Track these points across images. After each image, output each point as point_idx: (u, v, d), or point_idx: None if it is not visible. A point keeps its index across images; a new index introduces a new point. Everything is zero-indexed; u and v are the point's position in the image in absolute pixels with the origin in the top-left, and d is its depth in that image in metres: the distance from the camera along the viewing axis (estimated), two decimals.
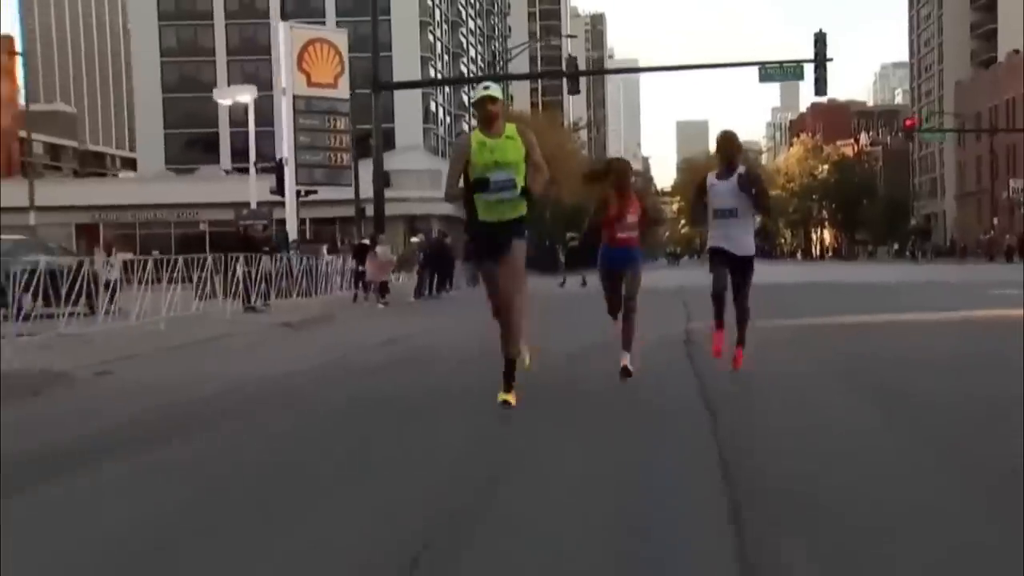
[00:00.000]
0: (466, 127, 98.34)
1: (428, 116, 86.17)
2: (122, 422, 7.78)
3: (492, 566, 3.87)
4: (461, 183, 7.34)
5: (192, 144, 79.60)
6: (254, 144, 31.03)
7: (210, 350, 14.32)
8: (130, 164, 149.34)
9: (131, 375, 10.97)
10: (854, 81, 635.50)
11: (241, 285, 20.74)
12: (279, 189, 31.34)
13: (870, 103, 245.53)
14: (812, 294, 24.01)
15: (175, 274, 18.28)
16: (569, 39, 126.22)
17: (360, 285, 25.99)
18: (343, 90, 31.08)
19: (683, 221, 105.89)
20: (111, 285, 17.32)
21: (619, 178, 9.43)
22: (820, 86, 30.53)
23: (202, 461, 6.14)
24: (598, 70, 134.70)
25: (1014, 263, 50.37)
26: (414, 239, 26.67)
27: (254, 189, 30.51)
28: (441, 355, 12.43)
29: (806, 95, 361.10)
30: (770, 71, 30.56)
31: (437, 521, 4.44)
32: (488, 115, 7.14)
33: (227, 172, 57.05)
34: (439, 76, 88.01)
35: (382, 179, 27.45)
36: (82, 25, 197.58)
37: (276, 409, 8.39)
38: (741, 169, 8.90)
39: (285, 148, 30.20)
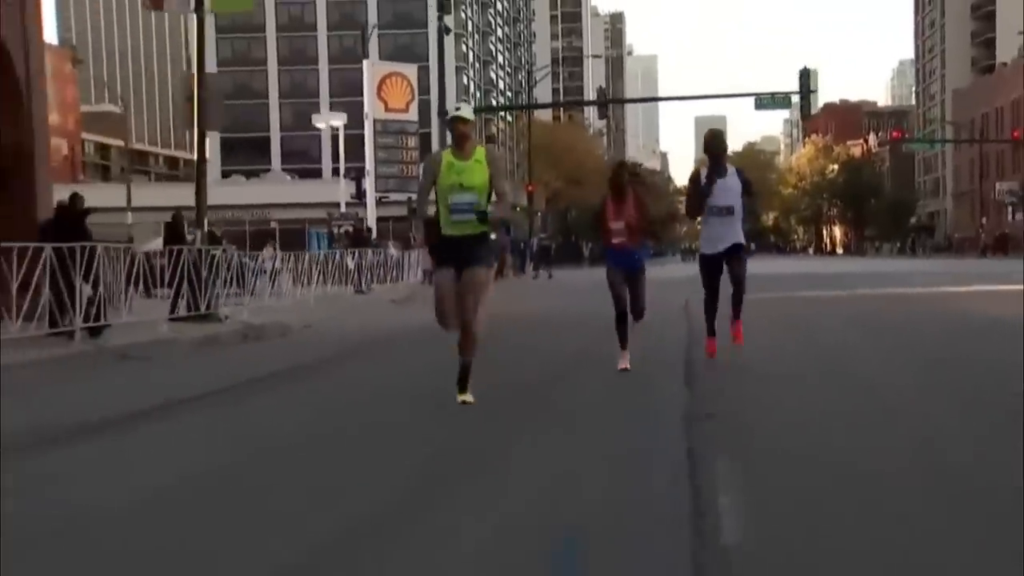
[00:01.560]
0: (495, 129, 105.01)
1: (443, 113, 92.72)
2: (333, 351, 13.23)
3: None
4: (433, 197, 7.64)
5: (245, 147, 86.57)
6: (344, 158, 37.77)
7: (359, 314, 20.86)
8: (172, 162, 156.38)
9: (322, 328, 17.52)
10: (873, 76, 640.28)
11: (355, 273, 27.51)
12: (358, 195, 38.18)
13: (888, 99, 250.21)
14: (790, 279, 30.54)
15: (316, 266, 25.13)
16: (593, 59, 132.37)
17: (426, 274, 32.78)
18: (412, 114, 37.90)
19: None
20: (272, 273, 24.13)
21: (615, 183, 9.76)
22: (805, 112, 37.55)
23: (395, 369, 11.67)
24: (618, 99, 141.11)
25: (987, 258, 57.18)
26: (492, 236, 33.48)
27: (343, 194, 37.32)
28: (538, 317, 19.17)
29: (823, 94, 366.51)
30: (763, 100, 37.36)
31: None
32: (458, 135, 7.32)
33: (292, 177, 64.17)
34: (471, 84, 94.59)
35: None
36: (115, 20, 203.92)
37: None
38: (734, 173, 9.30)
39: (367, 161, 37.06)
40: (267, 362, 11.85)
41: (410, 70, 39.00)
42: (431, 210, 7.64)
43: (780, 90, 39.33)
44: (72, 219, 13.11)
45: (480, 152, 7.35)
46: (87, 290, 12.46)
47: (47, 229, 13.34)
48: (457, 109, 7.46)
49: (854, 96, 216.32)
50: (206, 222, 16.71)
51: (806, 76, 35.99)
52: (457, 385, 7.43)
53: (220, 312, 16.86)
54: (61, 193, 15.30)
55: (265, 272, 21.84)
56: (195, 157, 16.71)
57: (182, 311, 15.92)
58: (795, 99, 38.24)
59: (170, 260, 15.23)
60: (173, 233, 16.77)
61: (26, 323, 12.27)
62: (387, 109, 36.67)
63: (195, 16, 16.75)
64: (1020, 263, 45.82)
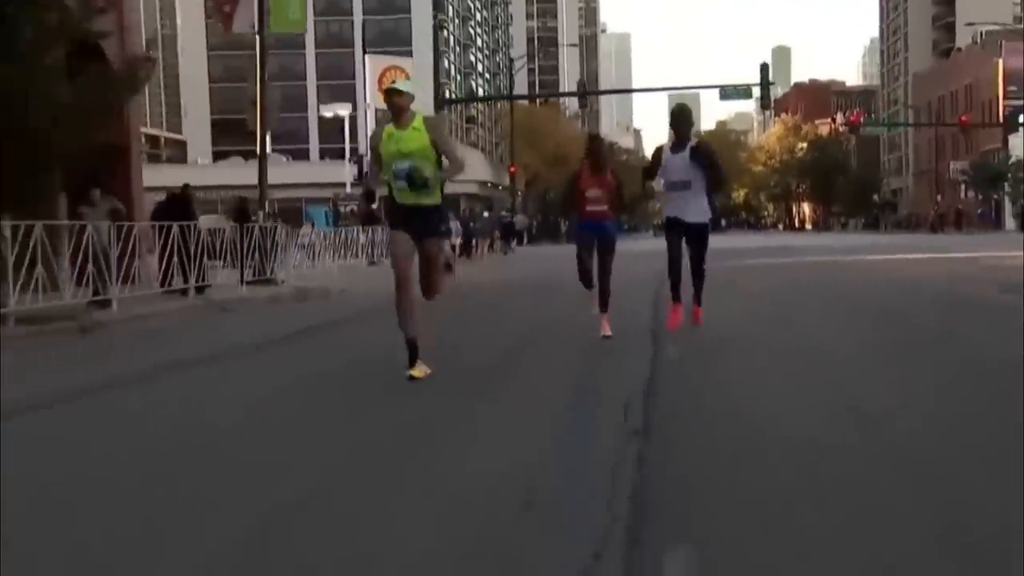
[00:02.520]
0: (474, 111, 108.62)
1: (440, 104, 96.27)
2: (366, 306, 17.03)
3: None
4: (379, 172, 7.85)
5: (235, 129, 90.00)
6: (348, 144, 41.50)
7: (376, 282, 24.34)
8: (153, 141, 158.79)
9: (353, 292, 21.28)
10: (847, 54, 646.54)
11: (368, 247, 31.34)
12: (360, 177, 41.93)
13: (859, 76, 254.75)
14: (760, 251, 34.66)
15: (338, 242, 28.97)
16: (567, 47, 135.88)
17: None
18: None
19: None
20: (309, 246, 27.91)
21: (592, 154, 9.95)
22: (764, 102, 41.76)
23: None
24: (594, 91, 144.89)
25: (935, 233, 61.85)
26: (485, 214, 37.69)
27: (349, 177, 41.11)
28: (515, 283, 23.12)
29: (796, 72, 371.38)
30: (728, 91, 41.62)
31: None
32: (393, 106, 7.50)
33: (286, 159, 67.71)
34: (451, 67, 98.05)
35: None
36: None
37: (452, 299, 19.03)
38: (693, 142, 9.57)
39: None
40: (317, 317, 15.05)
41: (406, 62, 42.74)
42: (377, 184, 8.20)
43: (749, 72, 43.52)
44: (182, 203, 16.91)
45: (418, 120, 7.53)
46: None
47: (160, 210, 17.12)
48: (393, 83, 7.70)
49: (829, 73, 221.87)
50: (267, 204, 20.49)
51: (765, 69, 40.02)
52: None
53: (278, 277, 20.71)
54: None
55: (304, 246, 25.63)
56: (257, 151, 20.56)
57: (249, 276, 19.75)
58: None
59: (241, 235, 18.99)
60: (241, 213, 20.57)
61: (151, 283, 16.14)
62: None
63: (253, 33, 20.50)
64: (967, 237, 50.49)
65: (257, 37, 21.01)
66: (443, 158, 7.50)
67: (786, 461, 4.58)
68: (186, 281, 16.53)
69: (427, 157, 7.38)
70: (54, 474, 4.95)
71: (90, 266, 13.32)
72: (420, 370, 7.40)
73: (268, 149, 77.98)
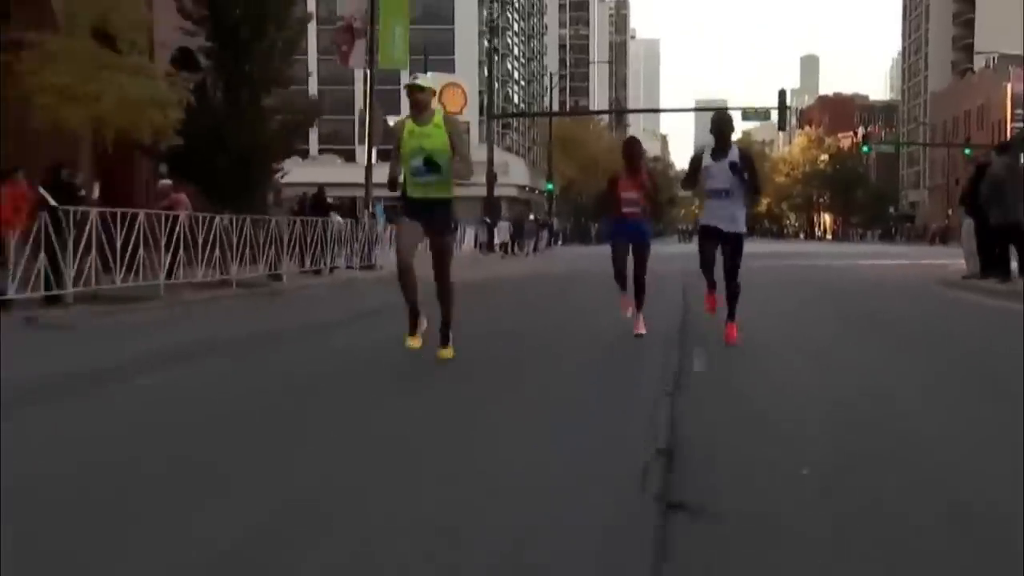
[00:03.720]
0: (513, 120, 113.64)
1: (482, 110, 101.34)
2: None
3: None
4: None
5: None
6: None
7: (455, 269, 29.84)
8: None
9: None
10: (873, 67, 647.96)
11: None
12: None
13: (887, 90, 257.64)
14: (782, 255, 39.69)
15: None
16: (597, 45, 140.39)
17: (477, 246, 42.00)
18: (464, 116, 46.95)
19: (691, 196, 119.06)
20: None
21: (628, 156, 10.32)
22: (781, 125, 46.82)
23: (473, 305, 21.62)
24: (624, 109, 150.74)
25: (934, 245, 66.80)
26: (531, 217, 43.41)
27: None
28: (565, 275, 28.21)
29: (824, 81, 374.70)
30: (748, 113, 46.75)
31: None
32: (414, 102, 7.74)
33: (340, 160, 73.41)
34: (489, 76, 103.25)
35: (493, 176, 43.43)
36: None
37: (518, 286, 24.13)
38: (734, 154, 9.39)
39: None
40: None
41: (462, 80, 48.18)
42: (399, 176, 8.14)
43: (775, 82, 48.31)
44: (320, 202, 22.18)
45: (438, 118, 7.80)
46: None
47: (302, 207, 22.40)
48: (414, 78, 7.84)
49: (857, 83, 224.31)
50: (372, 202, 25.78)
51: (783, 95, 44.99)
52: (441, 337, 8.48)
53: (377, 263, 25.98)
54: None
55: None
56: (364, 160, 25.85)
57: (354, 263, 25.00)
58: (796, 87, 46.79)
59: (354, 229, 24.22)
60: (352, 210, 25.88)
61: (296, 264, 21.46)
62: (445, 112, 45.55)
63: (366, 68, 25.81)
64: (950, 248, 55.19)
65: (367, 71, 26.16)
66: (456, 157, 7.84)
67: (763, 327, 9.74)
68: (322, 263, 21.79)
69: (446, 153, 7.77)
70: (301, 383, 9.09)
71: (272, 249, 18.58)
72: (418, 340, 8.26)
73: (315, 148, 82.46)
